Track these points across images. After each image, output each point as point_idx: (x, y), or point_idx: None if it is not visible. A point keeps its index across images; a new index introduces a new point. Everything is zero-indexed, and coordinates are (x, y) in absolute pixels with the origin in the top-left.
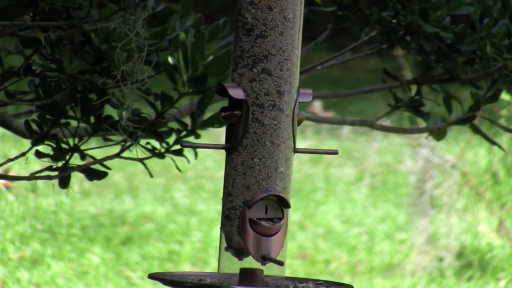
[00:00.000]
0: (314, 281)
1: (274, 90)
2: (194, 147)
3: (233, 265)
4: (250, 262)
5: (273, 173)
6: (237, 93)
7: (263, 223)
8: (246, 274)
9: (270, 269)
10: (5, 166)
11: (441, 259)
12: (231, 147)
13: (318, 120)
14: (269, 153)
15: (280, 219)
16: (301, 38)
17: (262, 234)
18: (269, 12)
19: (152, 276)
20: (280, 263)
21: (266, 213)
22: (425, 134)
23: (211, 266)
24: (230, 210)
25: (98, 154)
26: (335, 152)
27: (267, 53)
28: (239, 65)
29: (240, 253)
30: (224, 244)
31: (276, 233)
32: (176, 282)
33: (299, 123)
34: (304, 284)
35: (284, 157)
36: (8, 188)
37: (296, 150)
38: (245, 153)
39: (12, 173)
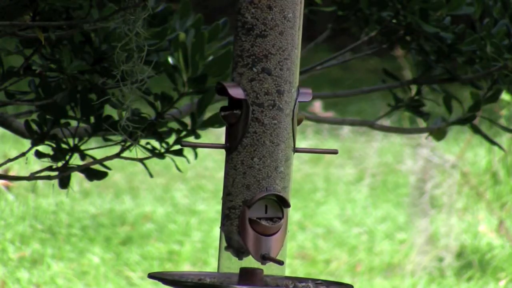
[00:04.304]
0: (314, 280)
1: (274, 90)
2: (194, 146)
3: (233, 265)
4: (250, 262)
5: (273, 173)
6: (236, 92)
7: (263, 222)
8: (246, 274)
9: (270, 269)
10: (5, 166)
11: (441, 259)
12: (231, 147)
13: (318, 120)
14: (269, 152)
15: (280, 218)
16: (301, 37)
17: (262, 233)
18: (269, 11)
19: (152, 276)
20: (280, 263)
21: (266, 212)
22: (425, 134)
23: (211, 266)
24: (230, 209)
25: (98, 154)
26: (335, 152)
27: (267, 52)
28: (238, 64)
29: (240, 252)
30: (224, 244)
31: (276, 232)
32: (176, 282)
33: (299, 122)
34: (303, 284)
35: (284, 157)
36: (8, 188)
37: (296, 150)
38: (245, 152)
39: (12, 173)
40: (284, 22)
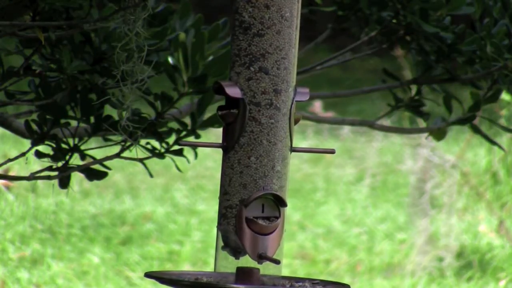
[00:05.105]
0: (311, 280)
1: (271, 89)
2: (191, 145)
3: (230, 264)
4: (246, 261)
5: (269, 172)
6: (234, 91)
7: (260, 221)
8: (243, 273)
9: (266, 268)
10: (5, 166)
11: (441, 259)
12: (228, 146)
13: (318, 120)
14: (266, 151)
15: (277, 217)
16: (300, 37)
17: (259, 232)
18: (266, 10)
19: (149, 275)
20: (277, 262)
21: (262, 211)
22: (425, 134)
23: (211, 266)
24: (227, 208)
25: (98, 154)
26: (332, 151)
27: (264, 51)
28: (236, 63)
29: (236, 252)
30: (221, 243)
31: (273, 231)
32: (173, 281)
33: (296, 122)
34: (300, 284)
35: (281, 156)
36: (8, 188)
37: (293, 149)
38: (242, 151)
39: (12, 173)
40: (281, 21)
